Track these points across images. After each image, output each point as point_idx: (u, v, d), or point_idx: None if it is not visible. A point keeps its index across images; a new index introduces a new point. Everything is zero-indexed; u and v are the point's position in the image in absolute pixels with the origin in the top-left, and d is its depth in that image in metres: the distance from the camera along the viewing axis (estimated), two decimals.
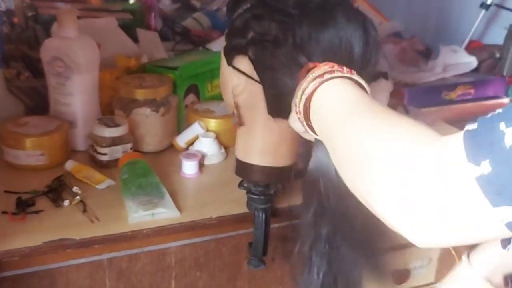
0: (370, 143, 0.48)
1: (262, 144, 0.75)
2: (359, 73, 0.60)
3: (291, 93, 0.64)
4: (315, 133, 0.58)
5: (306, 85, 0.57)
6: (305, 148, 0.75)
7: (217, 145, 1.01)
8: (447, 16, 2.08)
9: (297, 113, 0.58)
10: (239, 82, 0.72)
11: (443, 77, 1.48)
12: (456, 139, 0.42)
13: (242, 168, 0.78)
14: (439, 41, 1.67)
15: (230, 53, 0.71)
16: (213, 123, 1.04)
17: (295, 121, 0.61)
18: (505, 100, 1.50)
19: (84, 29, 1.01)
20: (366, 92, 0.57)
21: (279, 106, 0.69)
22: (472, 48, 1.77)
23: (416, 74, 1.44)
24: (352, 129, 0.51)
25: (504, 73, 1.61)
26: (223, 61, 0.74)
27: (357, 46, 0.63)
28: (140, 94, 1.00)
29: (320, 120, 0.56)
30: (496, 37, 1.78)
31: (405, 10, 2.02)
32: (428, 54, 1.57)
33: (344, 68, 0.57)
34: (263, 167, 0.76)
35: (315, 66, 0.58)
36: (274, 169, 0.76)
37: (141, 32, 1.34)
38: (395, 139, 0.46)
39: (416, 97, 1.37)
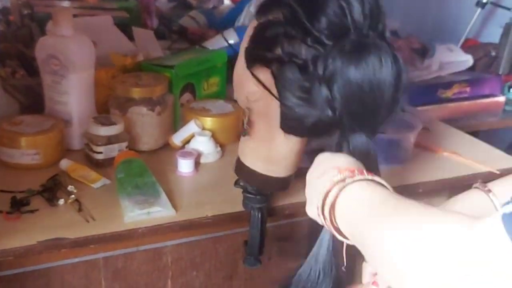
0: (400, 242, 0.46)
1: (269, 155, 0.74)
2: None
3: (307, 121, 0.63)
4: (341, 235, 0.56)
5: (328, 189, 0.55)
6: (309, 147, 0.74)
7: (213, 143, 1.01)
8: (443, 15, 2.08)
9: (320, 215, 0.57)
10: (256, 89, 0.69)
11: (439, 75, 1.49)
12: (493, 224, 0.40)
13: (242, 170, 0.78)
14: (435, 39, 1.67)
15: (253, 60, 0.68)
16: (209, 121, 1.04)
17: (315, 216, 0.59)
18: (501, 99, 1.50)
19: (80, 28, 1.00)
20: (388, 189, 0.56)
21: (293, 125, 0.67)
22: (468, 46, 1.77)
23: (412, 73, 1.44)
24: (380, 229, 0.50)
25: (500, 72, 1.61)
26: (241, 61, 0.71)
27: (386, 94, 0.61)
28: (136, 92, 1.00)
29: (346, 223, 0.55)
30: (492, 35, 1.79)
31: (402, 9, 2.02)
32: (424, 52, 1.57)
33: (365, 171, 0.56)
34: (264, 175, 0.75)
35: (338, 171, 0.57)
36: (275, 179, 0.76)
37: (137, 31, 1.33)
38: (428, 233, 0.45)
39: (412, 95, 1.38)
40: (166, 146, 1.04)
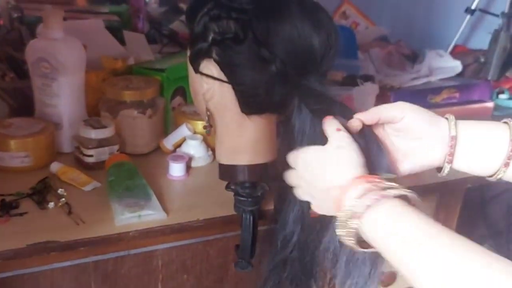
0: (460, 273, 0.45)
1: (240, 144, 0.75)
2: (325, 65, 0.65)
3: (260, 88, 0.67)
4: (367, 247, 0.54)
5: (358, 212, 0.52)
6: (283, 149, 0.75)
7: (204, 147, 1.01)
8: (432, 21, 2.10)
9: (341, 227, 0.53)
10: (208, 87, 0.72)
11: (429, 80, 1.50)
12: None
13: (225, 172, 0.78)
14: (425, 45, 1.68)
15: (195, 59, 0.72)
16: (200, 125, 1.04)
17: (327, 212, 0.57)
18: (490, 104, 1.52)
19: (70, 31, 1.00)
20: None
21: (250, 102, 0.70)
22: (457, 52, 1.79)
23: (402, 78, 1.45)
24: (429, 258, 0.47)
25: (489, 78, 1.63)
26: (191, 70, 0.74)
27: (315, 37, 0.65)
28: (127, 95, 1.00)
29: (380, 243, 0.52)
30: (481, 41, 1.81)
31: (391, 15, 2.04)
32: (414, 58, 1.58)
33: (384, 181, 0.54)
34: (243, 166, 0.76)
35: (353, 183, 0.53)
36: (255, 167, 0.76)
37: (128, 34, 1.33)
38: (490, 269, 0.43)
39: (402, 100, 1.38)
40: (157, 150, 1.04)
